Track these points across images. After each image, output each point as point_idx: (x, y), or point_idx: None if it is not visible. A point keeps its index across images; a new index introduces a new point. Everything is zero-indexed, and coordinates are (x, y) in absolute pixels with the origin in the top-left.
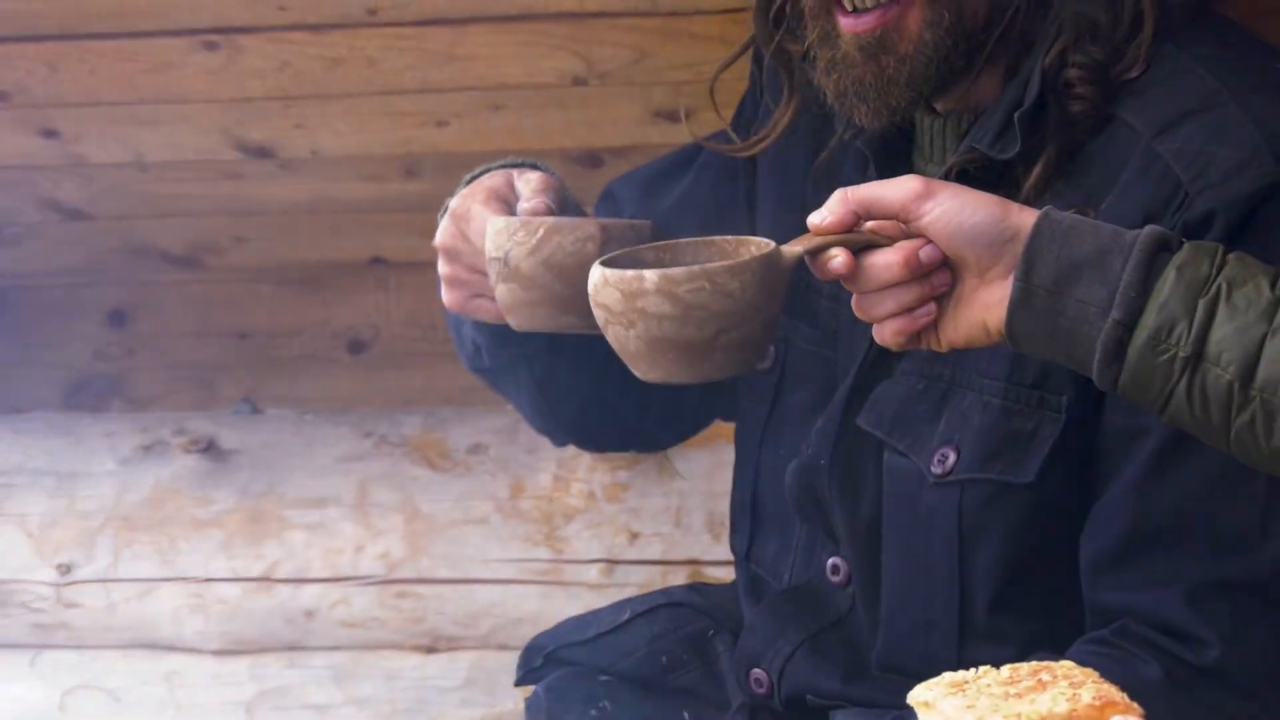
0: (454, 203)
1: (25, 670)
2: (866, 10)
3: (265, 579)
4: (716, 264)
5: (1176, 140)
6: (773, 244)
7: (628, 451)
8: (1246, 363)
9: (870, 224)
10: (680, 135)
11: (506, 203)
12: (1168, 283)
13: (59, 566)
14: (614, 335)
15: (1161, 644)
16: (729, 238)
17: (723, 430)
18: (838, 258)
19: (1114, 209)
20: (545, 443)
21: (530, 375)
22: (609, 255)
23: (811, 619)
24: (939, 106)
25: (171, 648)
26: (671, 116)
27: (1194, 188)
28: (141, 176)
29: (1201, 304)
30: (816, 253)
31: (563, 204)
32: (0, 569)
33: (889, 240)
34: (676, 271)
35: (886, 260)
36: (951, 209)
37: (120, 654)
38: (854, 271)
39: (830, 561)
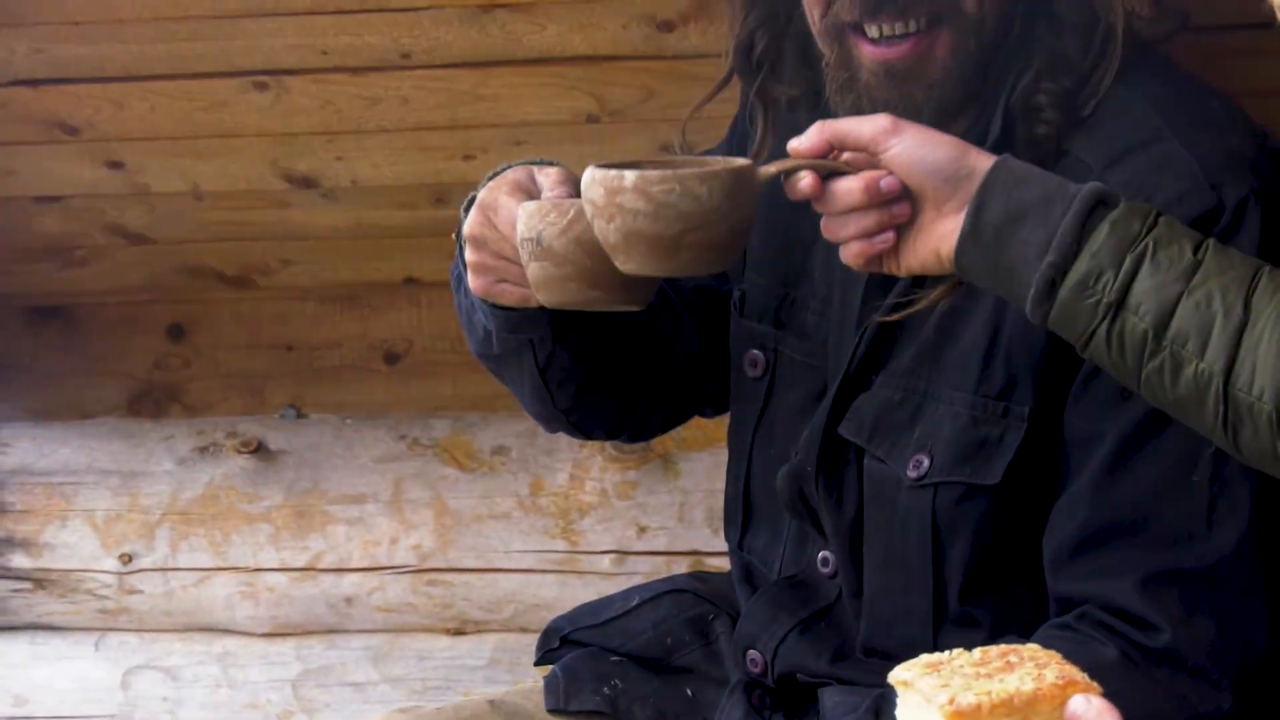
0: (481, 195)
1: (90, 651)
2: (897, 39)
3: (310, 568)
4: (688, 170)
5: (1124, 173)
6: (748, 161)
7: (616, 439)
8: (1161, 315)
9: (846, 156)
10: None
11: (530, 194)
12: (1101, 234)
13: (122, 556)
14: (599, 228)
15: (1117, 628)
16: (720, 157)
17: (722, 433)
18: (805, 179)
19: None
20: (562, 445)
21: (533, 361)
22: (612, 161)
23: (802, 606)
24: None
25: (225, 630)
26: (674, 150)
27: None
28: (198, 204)
29: (1129, 258)
30: (789, 173)
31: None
32: (69, 559)
33: (857, 170)
34: (651, 173)
35: (849, 185)
36: (914, 144)
37: (177, 636)
38: (820, 193)
39: (821, 555)
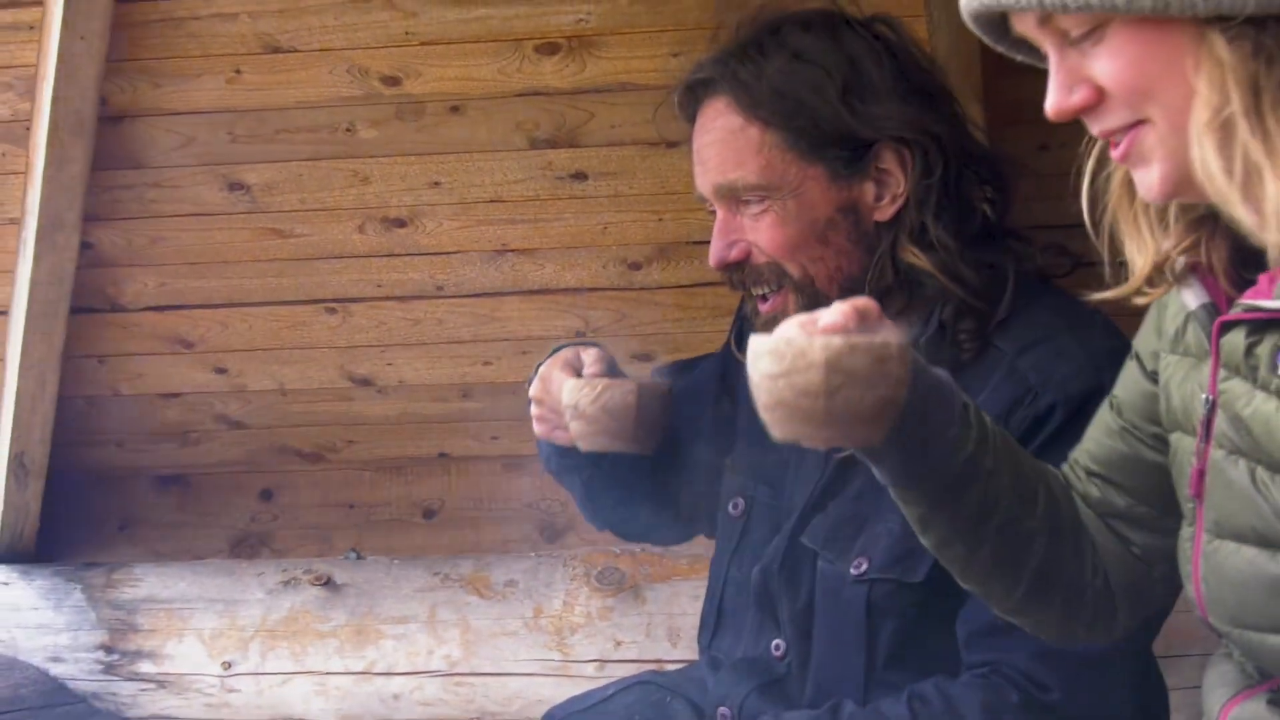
0: (542, 369)
1: None
2: (765, 297)
3: (366, 673)
4: (894, 333)
5: (1032, 358)
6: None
7: (648, 542)
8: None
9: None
10: (645, 372)
11: (575, 369)
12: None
13: (224, 664)
14: (844, 398)
15: (1019, 682)
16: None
17: (678, 569)
18: None
19: (987, 401)
20: (559, 578)
21: (580, 480)
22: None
23: (759, 676)
24: None
25: None
26: (642, 358)
27: (1041, 389)
28: (283, 399)
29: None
30: None
31: (610, 369)
32: (182, 665)
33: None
34: (903, 337)
35: None
36: None
37: None
38: None
39: (774, 642)
